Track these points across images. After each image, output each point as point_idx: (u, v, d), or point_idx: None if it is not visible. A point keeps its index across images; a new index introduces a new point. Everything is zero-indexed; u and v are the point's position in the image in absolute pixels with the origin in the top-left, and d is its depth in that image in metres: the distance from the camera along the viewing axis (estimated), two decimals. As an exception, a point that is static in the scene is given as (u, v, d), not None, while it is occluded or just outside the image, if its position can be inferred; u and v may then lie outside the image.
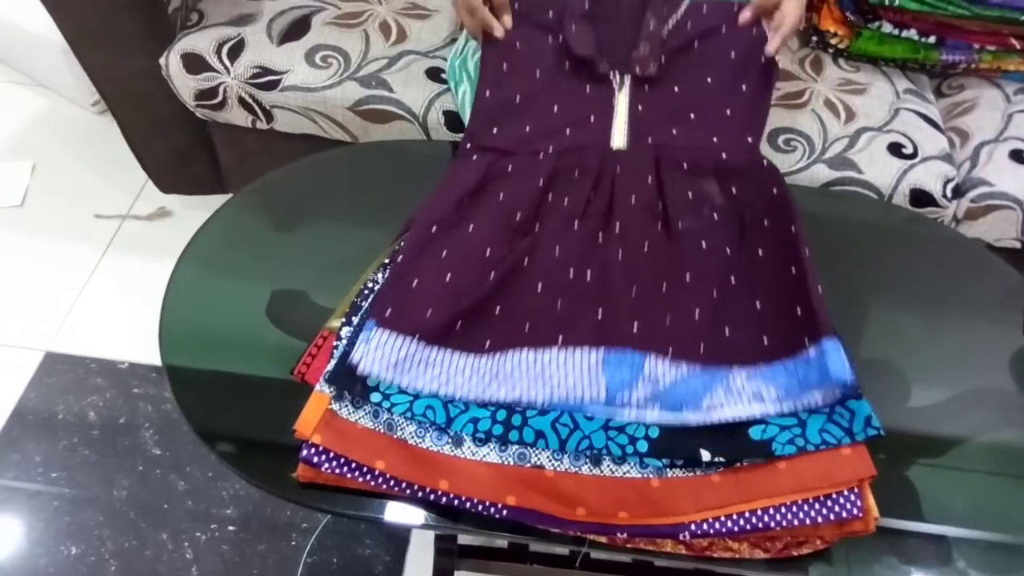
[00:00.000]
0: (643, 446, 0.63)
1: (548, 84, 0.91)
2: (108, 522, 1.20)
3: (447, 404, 0.65)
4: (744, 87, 0.89)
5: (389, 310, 0.70)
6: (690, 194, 0.83)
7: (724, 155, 0.87)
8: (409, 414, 0.64)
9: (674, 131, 0.86)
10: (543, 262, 0.77)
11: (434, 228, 0.78)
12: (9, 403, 1.33)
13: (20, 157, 1.73)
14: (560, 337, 0.70)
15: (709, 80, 0.89)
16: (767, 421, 0.64)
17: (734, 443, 0.63)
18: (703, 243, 0.79)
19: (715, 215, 0.81)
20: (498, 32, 0.94)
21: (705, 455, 0.62)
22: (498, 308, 0.73)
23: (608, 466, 0.64)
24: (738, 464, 0.63)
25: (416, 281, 0.73)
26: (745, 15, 0.94)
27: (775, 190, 0.83)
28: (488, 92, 0.92)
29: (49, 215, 1.62)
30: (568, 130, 0.88)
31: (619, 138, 0.88)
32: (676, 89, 0.89)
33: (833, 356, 0.66)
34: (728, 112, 0.87)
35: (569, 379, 0.67)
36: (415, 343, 0.68)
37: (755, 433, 0.63)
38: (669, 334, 0.72)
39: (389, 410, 0.64)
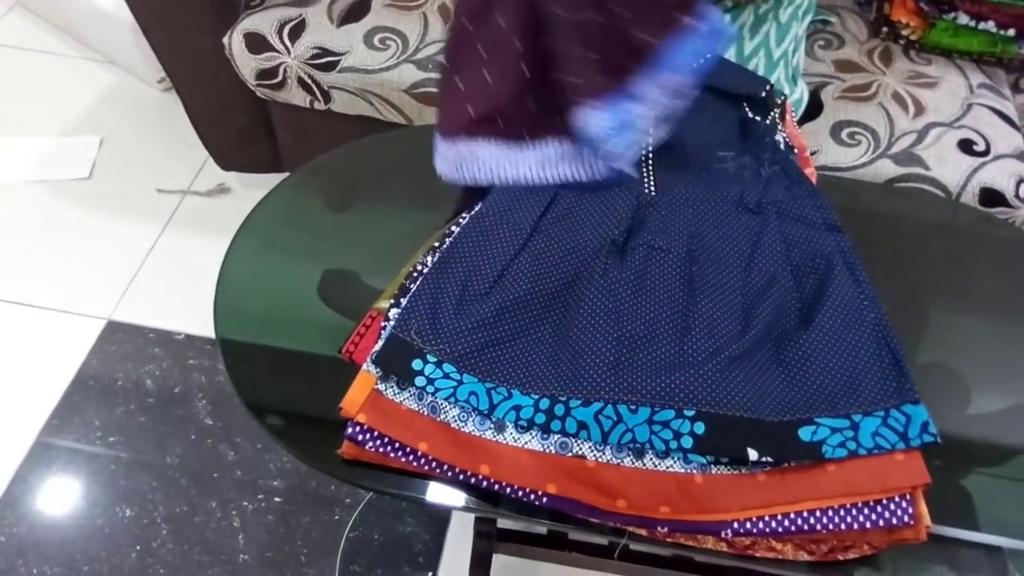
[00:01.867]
0: (688, 442, 0.62)
1: None
2: (161, 487, 1.25)
3: (490, 391, 0.65)
4: None
5: (443, 116, 0.80)
6: None
7: None
8: (452, 399, 0.65)
9: None
10: None
11: (466, 21, 0.83)
12: (72, 368, 1.38)
13: (89, 132, 1.79)
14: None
15: None
16: (818, 422, 0.62)
17: (783, 443, 0.61)
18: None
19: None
20: None
21: (752, 454, 0.60)
22: (531, 101, 0.80)
23: (651, 459, 0.63)
24: (785, 464, 0.62)
25: (462, 85, 0.81)
26: None
27: None
28: None
29: (114, 188, 1.68)
30: None
31: None
32: None
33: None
34: None
35: None
36: (463, 141, 0.78)
37: (805, 434, 0.61)
38: None
39: (433, 394, 0.65)
